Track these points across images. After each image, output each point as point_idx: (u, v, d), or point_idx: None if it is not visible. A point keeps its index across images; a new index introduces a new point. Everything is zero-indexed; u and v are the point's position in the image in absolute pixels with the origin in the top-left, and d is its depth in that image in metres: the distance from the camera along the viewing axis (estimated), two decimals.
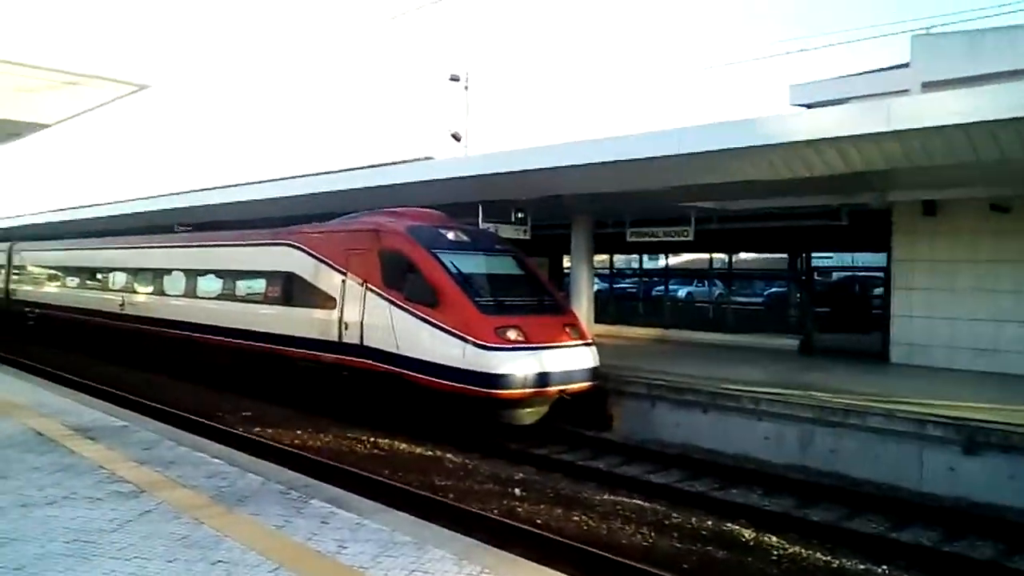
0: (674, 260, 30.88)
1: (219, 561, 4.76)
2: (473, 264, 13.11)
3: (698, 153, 11.80)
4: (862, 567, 7.61)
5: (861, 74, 25.96)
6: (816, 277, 28.81)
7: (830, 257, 31.33)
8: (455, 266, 12.64)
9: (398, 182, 16.90)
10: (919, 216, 14.88)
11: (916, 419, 10.29)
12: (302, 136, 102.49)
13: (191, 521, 5.46)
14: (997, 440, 9.62)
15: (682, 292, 30.82)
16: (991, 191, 13.44)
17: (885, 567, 7.61)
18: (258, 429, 12.76)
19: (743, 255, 30.65)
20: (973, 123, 9.64)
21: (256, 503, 5.99)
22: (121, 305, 20.60)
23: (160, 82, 9.63)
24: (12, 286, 28.13)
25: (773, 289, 30.00)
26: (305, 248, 14.79)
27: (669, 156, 12.10)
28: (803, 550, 8.00)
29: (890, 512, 9.35)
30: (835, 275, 28.99)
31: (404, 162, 19.06)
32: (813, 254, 23.73)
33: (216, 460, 7.33)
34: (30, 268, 27.52)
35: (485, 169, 15.26)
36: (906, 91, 19.46)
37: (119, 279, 21.55)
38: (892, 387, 12.16)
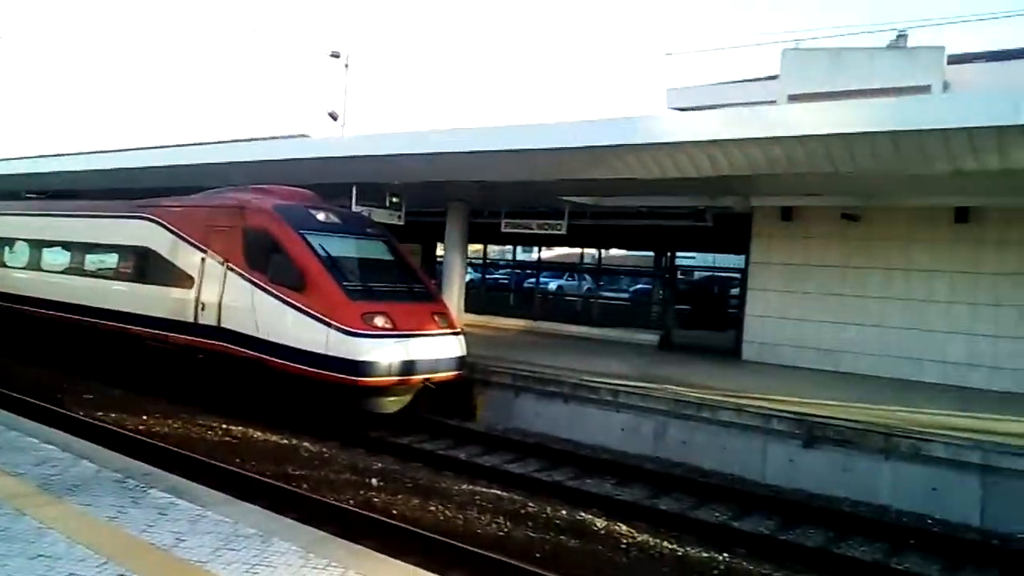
0: (548, 254, 31.20)
1: (40, 555, 4.41)
2: (343, 247, 12.81)
3: (576, 148, 11.95)
4: (705, 555, 7.91)
5: (736, 82, 26.92)
6: (679, 276, 29.82)
7: (692, 257, 32.55)
8: (324, 249, 12.31)
9: (269, 158, 16.31)
10: (777, 221, 15.70)
11: (762, 414, 10.83)
12: (172, 105, 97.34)
13: (12, 512, 5.05)
14: (833, 434, 10.26)
15: (553, 285, 31.25)
16: (843, 200, 14.28)
17: (726, 555, 7.94)
18: (101, 413, 12.07)
19: (614, 251, 31.47)
20: (831, 135, 10.21)
21: (88, 492, 5.61)
22: None
23: (7, 34, 8.82)
24: None
25: (639, 286, 30.94)
26: (163, 222, 14.06)
27: (547, 149, 12.21)
28: (651, 538, 8.24)
29: (734, 502, 9.79)
30: (697, 275, 30.18)
31: (277, 138, 18.42)
32: (677, 253, 24.62)
33: (47, 446, 6.81)
34: None
35: (360, 150, 14.91)
36: (774, 102, 20.40)
37: None
38: (741, 383, 12.74)
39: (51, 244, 16.79)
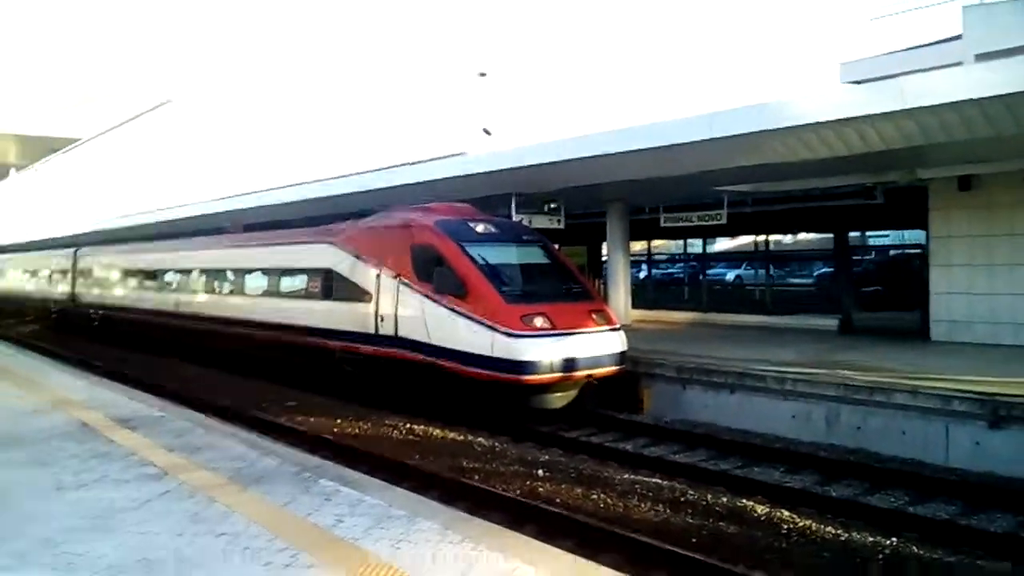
0: (728, 244, 30.58)
1: (223, 533, 5.17)
2: (501, 255, 13.40)
3: (725, 137, 11.90)
4: (872, 540, 7.68)
5: (912, 48, 25.35)
6: (871, 256, 28.23)
7: (886, 235, 30.75)
8: (483, 257, 12.94)
9: (432, 178, 17.32)
10: (954, 191, 14.68)
11: (941, 395, 10.26)
12: (335, 136, 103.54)
13: (205, 499, 5.90)
14: (1021, 413, 9.54)
15: (730, 275, 30.63)
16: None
17: (895, 539, 7.66)
18: (300, 418, 13.27)
19: (800, 236, 30.35)
20: (987, 98, 9.57)
21: (269, 483, 6.41)
22: (176, 304, 21.50)
23: (180, 96, 10.11)
24: (77, 289, 29.49)
25: (823, 269, 29.65)
26: (342, 245, 15.29)
27: (696, 141, 12.25)
28: (815, 524, 8.08)
29: (912, 487, 9.35)
30: (892, 253, 28.46)
31: (437, 159, 19.47)
32: (868, 232, 23.46)
33: (240, 445, 7.78)
34: (92, 271, 28.79)
35: (515, 162, 15.58)
36: (959, 64, 19.01)
37: (172, 280, 22.49)
38: (922, 364, 12.09)
39: (249, 271, 18.70)
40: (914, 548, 7.50)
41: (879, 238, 31.25)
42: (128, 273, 25.98)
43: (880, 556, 7.37)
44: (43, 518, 5.56)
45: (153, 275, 24.00)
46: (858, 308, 18.54)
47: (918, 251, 22.56)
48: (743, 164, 12.62)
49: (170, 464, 6.93)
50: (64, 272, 31.03)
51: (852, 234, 22.01)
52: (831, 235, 22.37)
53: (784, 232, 22.68)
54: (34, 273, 35.52)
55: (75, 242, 34.46)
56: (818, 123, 10.72)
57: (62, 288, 31.05)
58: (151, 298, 23.44)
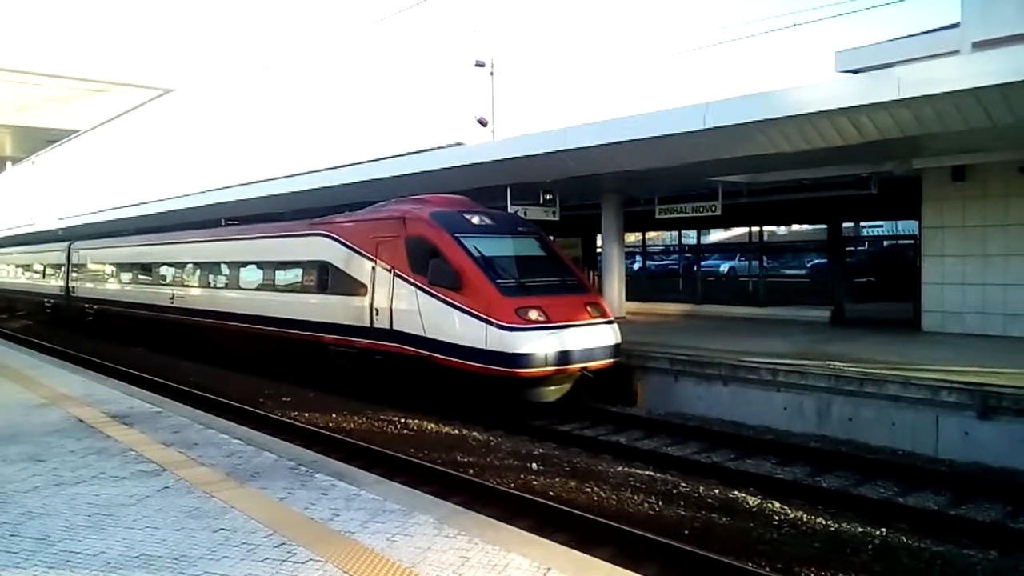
0: (722, 235, 30.63)
1: (221, 529, 5.23)
2: (496, 247, 13.41)
3: (719, 128, 11.95)
4: (861, 530, 7.77)
5: (910, 36, 25.30)
6: (864, 247, 28.42)
7: (880, 226, 30.88)
8: (477, 249, 12.96)
9: (428, 169, 17.32)
10: (948, 182, 14.77)
11: (931, 386, 10.35)
12: (333, 127, 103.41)
13: (203, 495, 5.96)
14: (1010, 404, 9.64)
15: (724, 267, 30.70)
16: (1018, 154, 13.25)
17: (884, 530, 7.75)
18: (296, 413, 13.33)
19: (795, 227, 30.51)
20: (984, 87, 9.63)
21: (266, 478, 6.47)
22: (171, 298, 21.48)
23: (184, 85, 10.13)
24: (71, 283, 29.44)
25: (816, 261, 29.75)
26: (337, 237, 15.28)
27: (691, 132, 12.29)
28: (806, 515, 8.17)
29: (902, 478, 9.45)
30: (885, 244, 28.58)
31: (433, 149, 19.47)
32: (863, 223, 23.53)
33: (237, 441, 7.85)
34: (86, 266, 28.74)
35: (510, 153, 15.60)
36: (956, 52, 19.01)
37: (167, 273, 22.45)
38: (912, 354, 12.19)
39: (244, 264, 18.67)
40: (903, 538, 7.59)
41: (872, 229, 31.45)
42: (122, 267, 25.92)
43: (870, 546, 7.46)
44: (41, 515, 5.61)
45: (147, 269, 23.94)
46: (850, 299, 18.63)
47: (911, 242, 22.74)
48: (738, 155, 12.65)
49: (167, 460, 6.99)
50: (58, 266, 30.99)
51: (845, 225, 22.13)
52: (824, 226, 22.49)
53: (778, 223, 22.77)
54: (28, 267, 35.47)
55: (69, 236, 34.38)
56: (813, 113, 10.76)
57: (56, 282, 31.01)
58: (145, 292, 23.40)
